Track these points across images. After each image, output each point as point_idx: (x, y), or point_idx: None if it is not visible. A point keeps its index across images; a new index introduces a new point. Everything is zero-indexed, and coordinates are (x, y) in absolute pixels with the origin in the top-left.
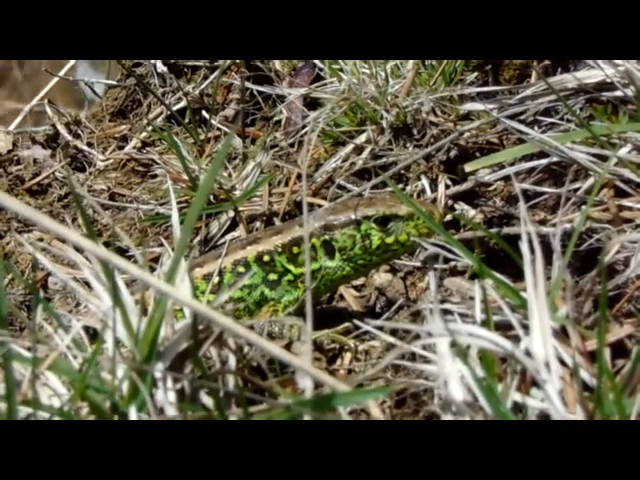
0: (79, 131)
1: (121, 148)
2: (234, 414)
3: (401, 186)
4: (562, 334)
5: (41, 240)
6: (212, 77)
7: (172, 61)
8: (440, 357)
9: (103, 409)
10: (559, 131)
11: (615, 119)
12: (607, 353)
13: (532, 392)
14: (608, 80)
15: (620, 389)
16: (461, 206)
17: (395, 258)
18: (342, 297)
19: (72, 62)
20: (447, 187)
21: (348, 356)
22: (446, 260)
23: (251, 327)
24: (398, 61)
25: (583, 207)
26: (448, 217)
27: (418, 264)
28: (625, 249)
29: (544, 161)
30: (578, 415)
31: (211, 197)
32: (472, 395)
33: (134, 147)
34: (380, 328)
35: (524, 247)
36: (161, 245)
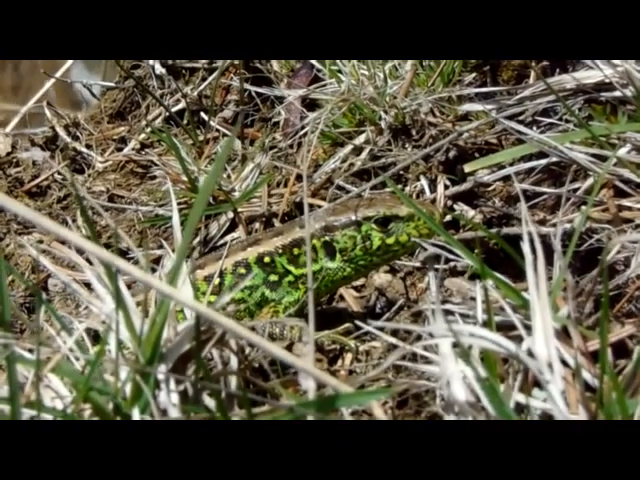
0: (78, 133)
1: (120, 150)
2: (237, 415)
3: (400, 187)
4: (563, 334)
5: (41, 242)
6: (210, 78)
7: (170, 63)
8: (442, 358)
9: (106, 411)
10: (558, 131)
11: (614, 119)
12: (609, 353)
13: (534, 392)
14: (607, 80)
15: (622, 389)
16: (460, 206)
17: (396, 259)
18: (342, 298)
19: (68, 64)
20: (446, 187)
21: (349, 357)
22: (446, 260)
23: (253, 328)
24: (396, 62)
25: (583, 207)
26: (448, 218)
27: (418, 264)
28: (625, 249)
29: (543, 161)
30: (580, 415)
31: (210, 198)
32: (474, 396)
33: (133, 149)
34: (381, 329)
35: (525, 247)
36: (161, 247)
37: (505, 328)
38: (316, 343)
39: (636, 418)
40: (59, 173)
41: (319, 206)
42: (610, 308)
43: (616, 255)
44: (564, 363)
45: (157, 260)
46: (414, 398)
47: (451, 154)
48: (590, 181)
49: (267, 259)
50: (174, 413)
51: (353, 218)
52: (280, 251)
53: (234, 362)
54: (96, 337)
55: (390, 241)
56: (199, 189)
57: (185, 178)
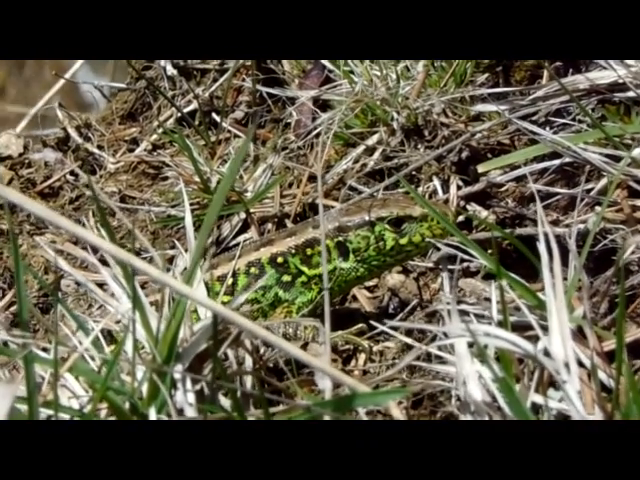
0: (89, 134)
1: (131, 151)
2: (253, 415)
3: (413, 187)
4: (579, 335)
5: (54, 242)
6: (222, 79)
7: (182, 64)
8: (459, 357)
9: (123, 410)
10: (571, 132)
11: (628, 120)
12: (625, 353)
13: (550, 393)
14: (620, 81)
15: (638, 389)
16: (473, 207)
17: (409, 259)
18: (355, 298)
19: (77, 66)
20: (459, 188)
21: (363, 357)
22: (459, 261)
23: (269, 328)
24: (408, 63)
25: (597, 208)
26: (460, 218)
27: (431, 265)
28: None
29: (556, 162)
30: (597, 416)
31: None
32: (490, 396)
33: (145, 149)
34: (395, 329)
35: (541, 247)
36: (173, 247)
37: (520, 328)
38: (330, 343)
39: None
40: (71, 174)
41: (332, 206)
42: (625, 308)
43: (630, 255)
44: (580, 363)
45: (170, 260)
46: (429, 398)
47: (464, 155)
48: (604, 181)
49: (280, 259)
50: (190, 412)
51: (366, 218)
52: (293, 251)
53: (249, 362)
54: (110, 337)
55: (403, 241)
56: (216, 190)
57: (197, 179)
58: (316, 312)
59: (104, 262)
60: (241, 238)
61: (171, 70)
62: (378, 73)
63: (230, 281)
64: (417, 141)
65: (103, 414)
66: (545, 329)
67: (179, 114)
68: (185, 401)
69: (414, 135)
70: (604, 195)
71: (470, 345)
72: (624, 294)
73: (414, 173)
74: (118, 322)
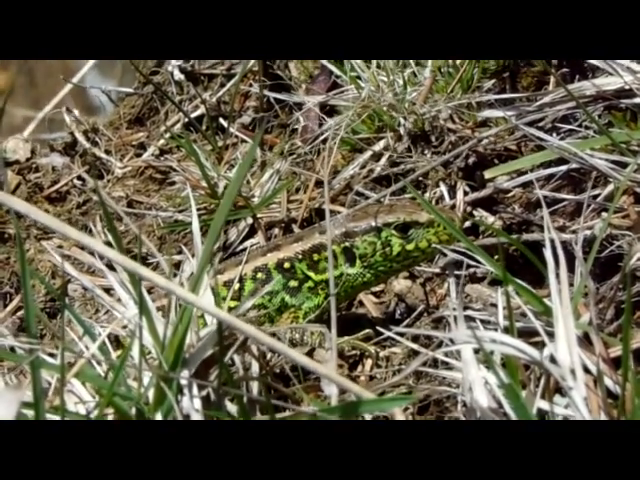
0: (97, 139)
1: (139, 155)
2: None
3: (419, 193)
4: (585, 341)
5: (60, 247)
6: (229, 85)
7: (189, 69)
8: (465, 364)
9: (130, 416)
10: (578, 138)
11: (634, 126)
12: (631, 360)
13: (556, 399)
14: (627, 87)
15: None
16: (480, 213)
17: (415, 265)
18: (362, 304)
19: (85, 69)
20: (466, 194)
21: (369, 363)
22: (466, 267)
23: (273, 335)
24: (415, 68)
25: (603, 214)
26: (467, 224)
27: (437, 270)
28: None
29: (563, 168)
30: None
31: None
32: (496, 402)
33: (152, 154)
34: (402, 335)
35: (547, 254)
36: (180, 252)
37: (526, 334)
38: (336, 349)
39: None
40: (78, 178)
41: (338, 212)
42: (631, 314)
43: (637, 262)
44: (586, 370)
45: (176, 265)
46: (435, 404)
47: (470, 160)
48: (610, 188)
49: (287, 265)
50: (197, 418)
51: (373, 224)
52: (300, 257)
53: (256, 368)
54: (116, 342)
55: (410, 247)
56: (223, 195)
57: (205, 184)
58: (323, 317)
59: (111, 267)
60: (248, 243)
61: (178, 75)
62: (385, 79)
63: (237, 286)
64: (424, 147)
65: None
66: (551, 335)
67: (186, 119)
68: (191, 407)
69: (421, 141)
70: (610, 201)
71: (476, 351)
72: (630, 300)
73: (421, 179)
74: (125, 327)
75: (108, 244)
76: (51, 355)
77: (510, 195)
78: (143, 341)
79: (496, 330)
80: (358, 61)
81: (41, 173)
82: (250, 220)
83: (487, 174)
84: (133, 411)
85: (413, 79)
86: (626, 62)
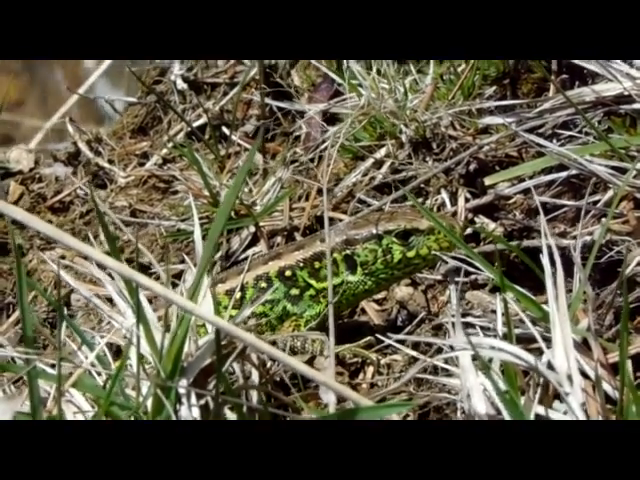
0: (100, 148)
1: (142, 165)
2: None
3: (421, 200)
4: (584, 347)
5: (63, 257)
6: (232, 93)
7: (192, 78)
8: (463, 370)
9: None
10: (578, 144)
11: (633, 132)
12: (629, 365)
13: (555, 405)
14: (626, 93)
15: None
16: (481, 219)
17: (417, 272)
18: (364, 311)
19: (92, 79)
20: (467, 200)
21: (370, 370)
22: (467, 273)
23: (273, 342)
24: (417, 76)
25: (603, 219)
26: (468, 230)
27: (439, 277)
28: None
29: (563, 174)
30: None
31: (232, 213)
32: (495, 408)
33: (155, 164)
34: (402, 342)
35: (545, 260)
36: (183, 261)
37: (525, 341)
38: (337, 356)
39: None
40: (82, 188)
41: (340, 220)
42: (631, 320)
43: (636, 267)
44: (585, 375)
45: (179, 274)
46: (435, 411)
47: (472, 167)
48: (610, 193)
49: (288, 273)
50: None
51: (374, 232)
52: (301, 265)
53: (255, 376)
54: (118, 352)
55: (411, 254)
56: (221, 202)
57: (207, 193)
58: (325, 325)
59: (113, 276)
60: (250, 252)
61: (181, 84)
62: (386, 86)
63: (238, 295)
64: (425, 154)
65: None
66: (549, 341)
67: (189, 128)
68: (190, 416)
69: (422, 148)
70: (610, 207)
71: (475, 358)
72: (628, 306)
73: (422, 186)
74: (125, 337)
75: (109, 253)
76: (53, 366)
77: (511, 201)
78: (142, 350)
79: (495, 337)
80: (359, 68)
81: (44, 183)
82: (252, 229)
83: (487, 181)
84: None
85: (414, 86)
86: (625, 68)
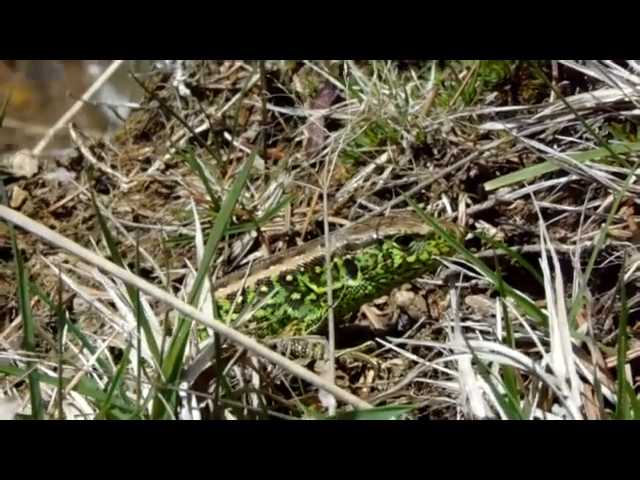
0: (103, 154)
1: (145, 170)
2: None
3: (422, 205)
4: (583, 351)
5: (66, 262)
6: (234, 99)
7: (194, 84)
8: (462, 374)
9: None
10: (578, 150)
11: (634, 137)
12: (628, 369)
13: (554, 409)
14: (626, 99)
15: None
16: (482, 225)
17: (417, 277)
18: (364, 316)
19: (97, 85)
20: (468, 206)
21: (371, 374)
22: (467, 278)
23: (273, 346)
24: (418, 82)
25: (603, 225)
26: (469, 236)
27: (440, 282)
28: None
29: (564, 179)
30: None
31: (234, 218)
32: (494, 412)
33: (157, 169)
34: (402, 346)
35: (544, 265)
36: (185, 266)
37: (525, 345)
38: (338, 361)
39: None
40: (84, 194)
41: (341, 225)
42: (631, 325)
43: (636, 272)
44: (584, 379)
45: (182, 279)
46: (435, 414)
47: (472, 173)
48: (610, 199)
49: (289, 277)
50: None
51: (374, 236)
52: (302, 269)
53: (255, 379)
54: (120, 355)
55: (411, 259)
56: (221, 206)
57: (209, 198)
58: (326, 329)
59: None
60: (252, 257)
61: (184, 90)
62: (387, 92)
63: (240, 299)
64: (426, 159)
65: None
66: (549, 345)
67: (191, 134)
68: (190, 419)
69: (423, 153)
70: (610, 212)
71: (475, 362)
72: (626, 310)
73: (423, 191)
74: (127, 340)
75: (110, 259)
76: (54, 369)
77: (512, 207)
78: (142, 353)
79: (494, 341)
80: (360, 74)
81: (47, 188)
82: (254, 234)
83: (488, 186)
84: None
85: (416, 92)
86: (625, 74)
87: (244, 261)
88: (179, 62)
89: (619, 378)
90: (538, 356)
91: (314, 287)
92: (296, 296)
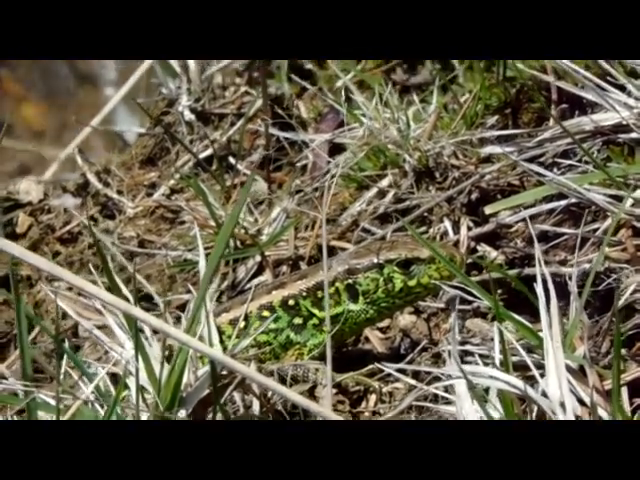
0: (109, 179)
1: (150, 195)
2: None
3: (424, 228)
4: (581, 374)
5: (70, 289)
6: (239, 124)
7: (200, 109)
8: (458, 398)
9: None
10: (577, 172)
11: (631, 160)
12: (625, 392)
13: None
14: (624, 122)
15: None
16: (483, 247)
17: (418, 300)
18: (367, 339)
19: (107, 109)
20: (469, 229)
21: (373, 398)
22: (469, 301)
23: (272, 373)
24: (420, 106)
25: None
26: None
27: (442, 305)
28: None
29: (563, 202)
30: None
31: (238, 243)
32: None
33: (163, 194)
34: (402, 370)
35: (539, 289)
36: (189, 292)
37: (523, 368)
38: (340, 385)
39: None
40: (90, 219)
41: (344, 248)
42: (629, 347)
43: (634, 294)
44: (581, 402)
45: (184, 305)
46: None
47: (473, 196)
48: (608, 222)
49: (292, 302)
50: None
51: (375, 261)
52: (304, 294)
53: (256, 405)
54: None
55: (412, 283)
56: (220, 230)
57: (213, 223)
58: None
59: None
60: (256, 281)
61: (189, 115)
62: (389, 116)
63: (242, 324)
64: (428, 183)
65: None
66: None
67: (196, 159)
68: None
69: (425, 177)
70: (607, 235)
71: (473, 386)
72: (620, 333)
73: (425, 214)
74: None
75: (109, 290)
76: (55, 397)
77: (513, 230)
78: (140, 381)
79: (492, 365)
80: (362, 98)
81: (53, 214)
82: (258, 258)
83: (489, 209)
84: None
85: (418, 116)
86: (623, 98)
87: (248, 285)
88: (184, 87)
89: (614, 400)
90: (535, 380)
91: (316, 312)
92: (298, 321)
